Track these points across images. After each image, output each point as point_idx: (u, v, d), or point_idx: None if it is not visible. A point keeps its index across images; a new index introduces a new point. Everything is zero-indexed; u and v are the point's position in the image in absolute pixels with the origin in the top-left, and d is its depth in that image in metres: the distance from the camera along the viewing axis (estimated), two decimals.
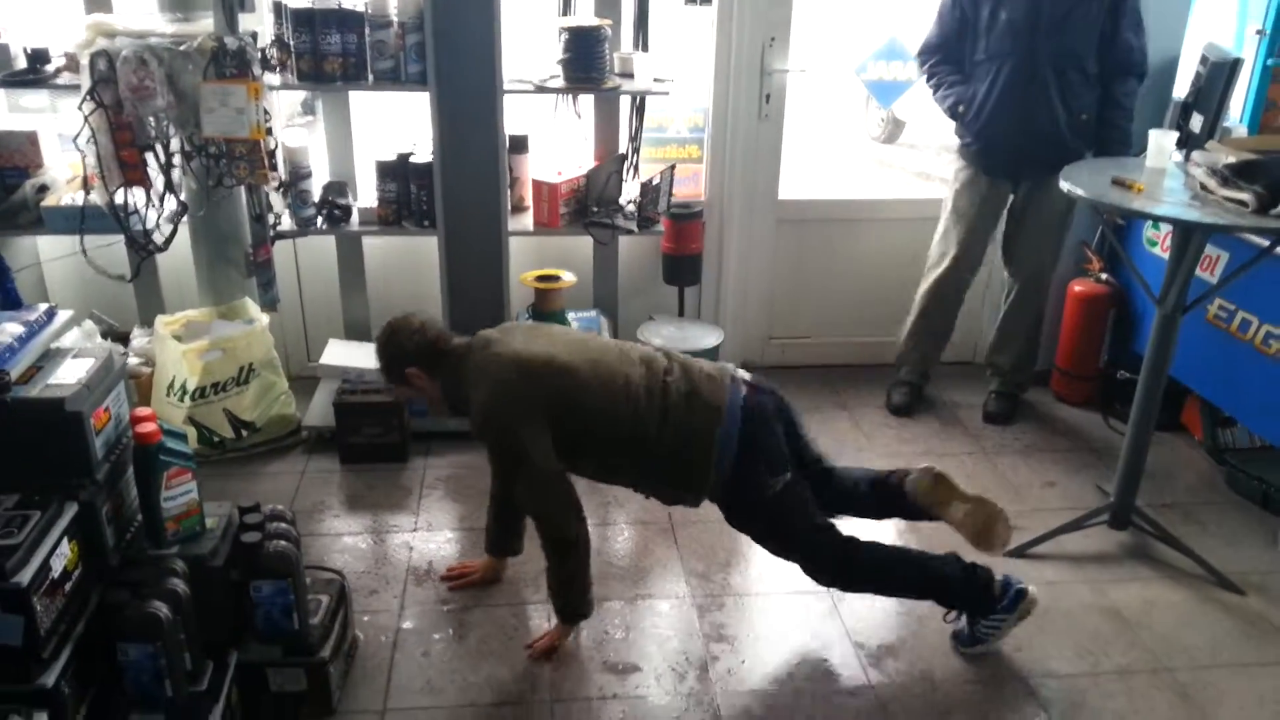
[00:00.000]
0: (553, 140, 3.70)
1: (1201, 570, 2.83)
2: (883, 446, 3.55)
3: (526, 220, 3.52)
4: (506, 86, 3.22)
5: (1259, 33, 3.45)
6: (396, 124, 3.58)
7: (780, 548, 2.53)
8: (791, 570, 2.82)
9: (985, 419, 3.73)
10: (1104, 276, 3.75)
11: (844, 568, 2.49)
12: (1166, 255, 2.76)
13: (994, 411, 3.74)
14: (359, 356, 3.56)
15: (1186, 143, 3.36)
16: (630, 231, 3.52)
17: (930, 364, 3.83)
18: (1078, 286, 3.78)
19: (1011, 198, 3.54)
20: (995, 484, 3.33)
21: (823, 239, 4.02)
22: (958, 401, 3.87)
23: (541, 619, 2.62)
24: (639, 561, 2.87)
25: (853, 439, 3.60)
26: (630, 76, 3.43)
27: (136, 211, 3.08)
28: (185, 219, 3.21)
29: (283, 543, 2.20)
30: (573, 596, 2.47)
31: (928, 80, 3.51)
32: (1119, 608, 2.72)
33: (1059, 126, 3.29)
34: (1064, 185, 2.78)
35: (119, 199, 3.05)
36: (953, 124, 3.51)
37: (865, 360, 3.98)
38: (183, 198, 3.17)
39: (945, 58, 3.46)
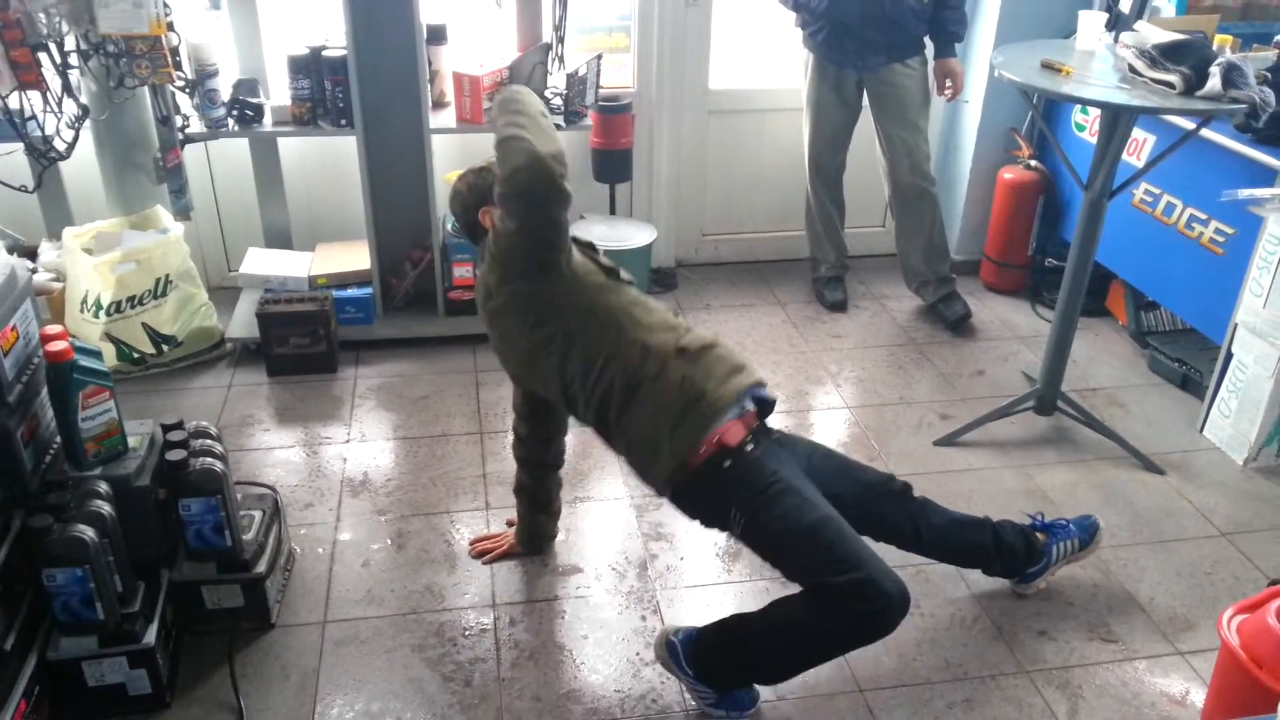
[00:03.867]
0: (473, 30, 3.55)
1: (1123, 452, 2.92)
2: (816, 341, 3.57)
3: (449, 116, 3.40)
4: None
5: None
6: (307, 15, 3.39)
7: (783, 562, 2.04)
8: None
9: (954, 329, 3.62)
10: (1032, 163, 3.76)
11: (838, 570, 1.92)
12: (1094, 140, 2.76)
13: (959, 316, 3.62)
14: (281, 264, 3.45)
15: (1115, 23, 3.35)
16: (557, 127, 3.41)
17: (841, 254, 3.83)
18: (1007, 174, 3.79)
19: (862, 88, 3.52)
20: (926, 374, 3.38)
21: (755, 130, 3.95)
22: (885, 294, 3.89)
23: (480, 526, 2.62)
24: (578, 465, 2.87)
25: (785, 334, 3.61)
26: None
27: (34, 117, 2.90)
28: (88, 124, 3.03)
29: (209, 459, 2.15)
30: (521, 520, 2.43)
31: None
32: (1045, 490, 2.80)
33: (902, 10, 3.29)
34: (996, 70, 2.75)
35: (13, 103, 2.86)
36: (794, 16, 3.47)
37: (799, 254, 3.97)
38: (83, 100, 2.99)
39: None
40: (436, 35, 3.33)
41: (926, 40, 3.45)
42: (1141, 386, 3.32)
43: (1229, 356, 2.92)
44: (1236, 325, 2.88)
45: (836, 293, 3.80)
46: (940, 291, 3.70)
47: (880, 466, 2.86)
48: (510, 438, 2.44)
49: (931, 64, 3.49)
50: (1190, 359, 3.27)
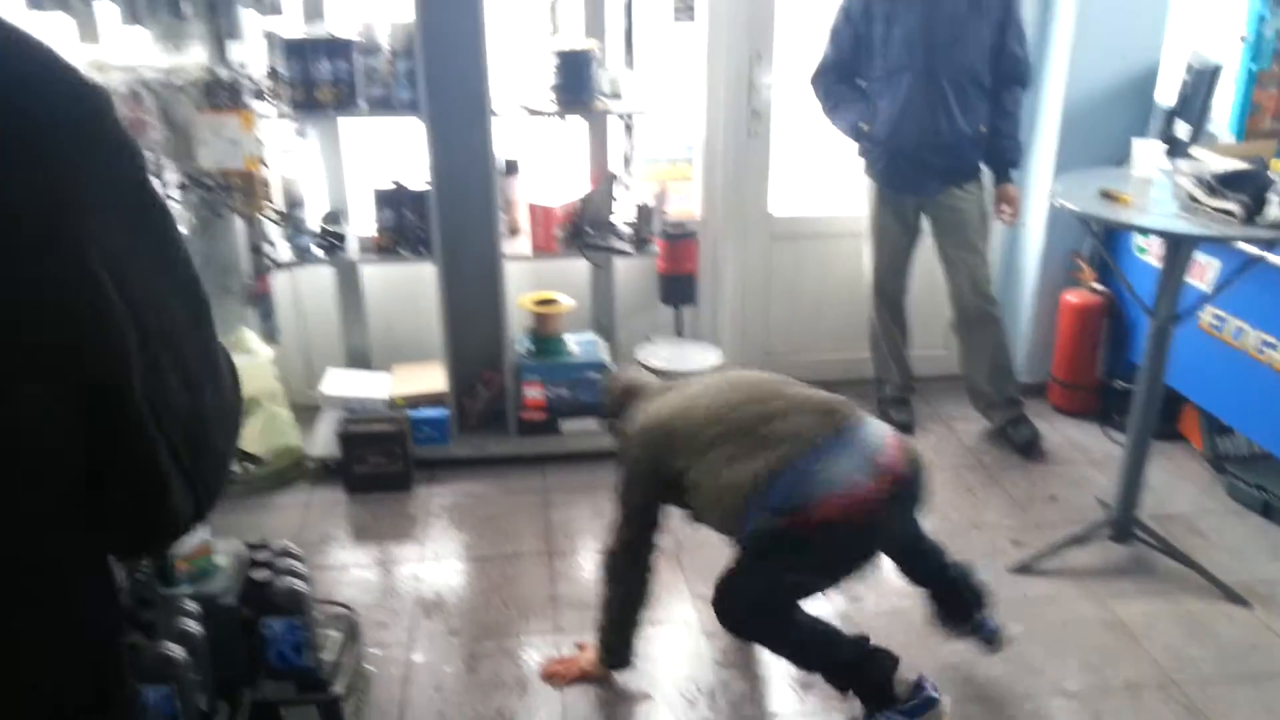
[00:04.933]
0: (545, 162, 3.72)
1: (1205, 582, 2.85)
2: None
3: (522, 244, 3.53)
4: (497, 110, 3.24)
5: (1242, 38, 3.48)
6: (390, 151, 3.58)
7: (726, 575, 2.24)
8: None
9: (1024, 454, 3.60)
10: (1096, 285, 3.78)
11: (753, 613, 2.23)
12: (1157, 263, 2.78)
13: (1028, 439, 3.61)
14: (361, 384, 3.57)
15: (1172, 149, 3.41)
16: (625, 253, 3.53)
17: (906, 375, 3.85)
18: (1070, 296, 3.81)
19: (921, 212, 3.58)
20: (997, 499, 3.35)
21: (817, 254, 4.04)
22: (952, 415, 3.88)
23: (551, 650, 2.62)
24: None
25: None
26: (619, 97, 3.44)
27: None
28: None
29: (292, 579, 2.21)
30: (604, 632, 2.42)
31: (825, 102, 3.52)
32: (1124, 621, 2.74)
33: (959, 137, 3.38)
34: (1053, 198, 2.81)
35: None
36: (855, 144, 3.55)
37: (864, 376, 3.99)
38: (181, 230, 3.17)
39: (840, 77, 3.50)
40: (511, 169, 3.50)
41: (983, 165, 3.53)
42: (1220, 513, 3.25)
43: None
44: None
45: (902, 414, 3.81)
46: (1008, 414, 3.69)
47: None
48: (599, 558, 2.43)
49: (989, 189, 3.57)
50: (1270, 485, 3.20)
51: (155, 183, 0.84)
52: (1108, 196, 2.73)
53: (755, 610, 2.22)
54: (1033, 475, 3.49)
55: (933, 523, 3.18)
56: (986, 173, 3.54)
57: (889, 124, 3.40)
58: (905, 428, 3.77)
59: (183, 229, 3.12)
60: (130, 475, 0.78)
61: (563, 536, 3.10)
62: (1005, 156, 3.48)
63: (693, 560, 2.99)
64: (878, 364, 3.88)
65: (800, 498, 2.09)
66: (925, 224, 3.63)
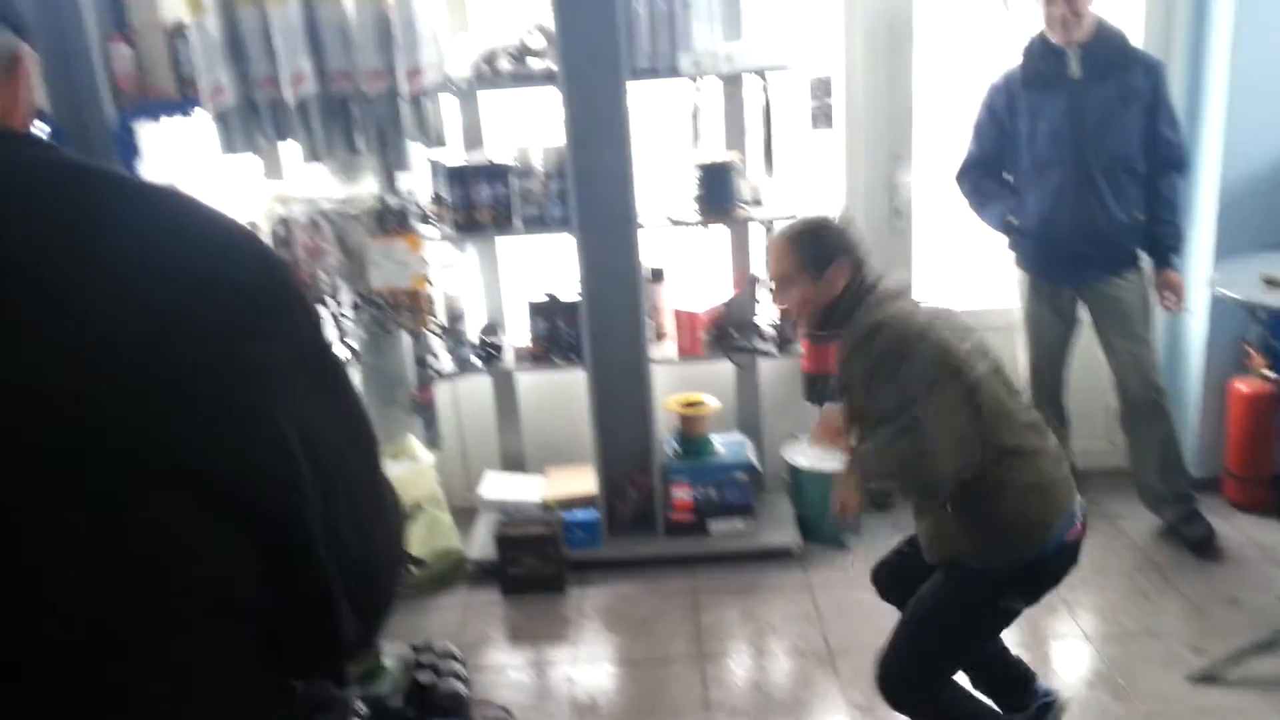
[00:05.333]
0: (690, 269, 3.83)
1: None
2: None
3: (668, 348, 3.64)
4: (642, 222, 3.38)
5: None
6: (543, 264, 3.78)
7: (903, 635, 2.26)
8: None
9: (1199, 552, 3.42)
10: (1268, 373, 3.58)
11: (917, 689, 2.25)
12: None
13: (1202, 536, 3.43)
14: (516, 488, 3.70)
15: None
16: (769, 355, 3.59)
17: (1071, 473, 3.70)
18: (1241, 385, 3.62)
19: (1078, 302, 3.49)
20: (1173, 602, 3.17)
21: None
22: (1119, 513, 3.70)
23: None
24: (798, 693, 2.85)
25: None
26: (760, 204, 3.54)
27: None
28: (355, 366, 3.44)
29: (454, 681, 2.30)
30: None
31: (971, 198, 3.49)
32: None
33: (1114, 227, 3.29)
34: (1212, 287, 2.72)
35: None
36: (1004, 238, 3.49)
37: None
38: (352, 345, 3.42)
39: (986, 173, 3.47)
40: (657, 276, 3.62)
41: (1143, 252, 3.43)
42: None
43: None
44: None
45: None
46: (1180, 510, 3.50)
47: (1128, 706, 2.69)
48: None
49: (1150, 275, 3.46)
50: None
51: (329, 339, 0.94)
52: (1271, 283, 2.63)
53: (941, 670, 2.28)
54: (1211, 576, 3.28)
55: (1103, 628, 3.05)
56: (1146, 259, 3.45)
57: (1040, 217, 3.35)
58: None
59: (354, 344, 3.38)
60: (309, 609, 0.84)
61: (714, 639, 3.10)
62: (1165, 243, 3.37)
63: (846, 665, 2.94)
64: None
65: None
66: (1083, 314, 3.55)
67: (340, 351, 3.37)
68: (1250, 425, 3.60)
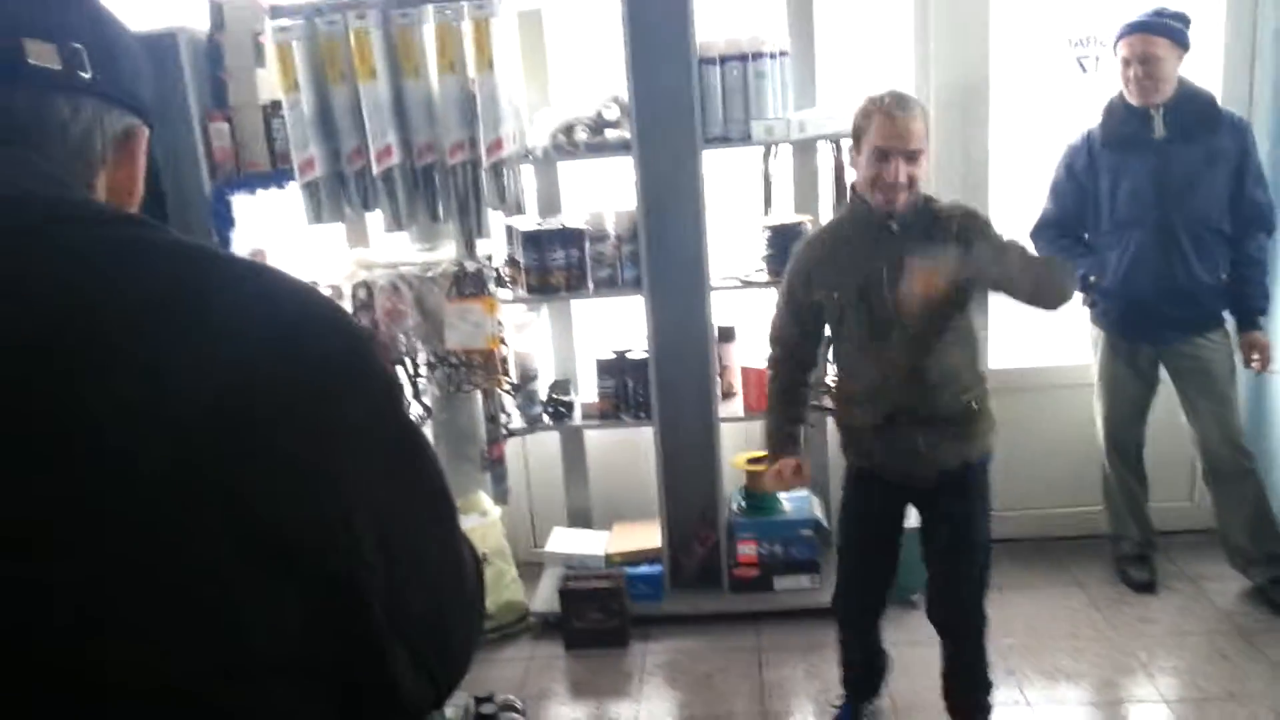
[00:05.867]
0: (759, 328, 3.87)
1: None
2: (1124, 627, 3.33)
3: (736, 406, 3.68)
4: (714, 284, 3.46)
5: None
6: (610, 322, 3.87)
7: (973, 567, 2.63)
8: None
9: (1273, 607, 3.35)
10: None
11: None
12: None
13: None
14: (581, 542, 3.76)
15: None
16: (834, 411, 3.58)
17: (1147, 531, 3.61)
18: None
19: (1159, 362, 3.43)
20: (1254, 664, 3.04)
21: (1039, 406, 3.92)
22: (1201, 574, 3.57)
23: None
24: (769, 705, 2.84)
25: (1087, 618, 3.39)
26: None
27: None
28: (429, 422, 3.57)
29: None
30: None
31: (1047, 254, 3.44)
32: None
33: (1198, 287, 3.24)
34: None
35: None
36: (1081, 296, 3.43)
37: (1093, 531, 3.77)
38: (427, 403, 3.55)
39: (1064, 231, 3.44)
40: (726, 335, 3.68)
41: (1228, 314, 3.36)
42: None
43: None
44: None
45: (1144, 572, 3.56)
46: (1271, 572, 3.37)
47: None
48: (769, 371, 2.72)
49: (1235, 336, 3.38)
50: None
51: (409, 411, 0.98)
52: None
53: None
54: None
55: (1184, 690, 2.95)
56: (1231, 320, 3.37)
57: (1121, 275, 3.32)
58: (1147, 587, 3.52)
59: (428, 402, 3.51)
60: (365, 670, 0.85)
61: (777, 697, 3.09)
62: (1251, 304, 3.30)
63: None
64: (1113, 519, 3.66)
65: None
66: (1163, 374, 3.48)
67: (416, 410, 3.50)
68: None
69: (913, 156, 2.39)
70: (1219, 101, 3.32)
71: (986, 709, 2.69)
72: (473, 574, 0.96)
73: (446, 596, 0.91)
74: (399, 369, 3.43)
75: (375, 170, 3.33)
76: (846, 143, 3.51)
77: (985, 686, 2.69)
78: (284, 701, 0.82)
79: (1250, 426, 3.73)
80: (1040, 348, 3.97)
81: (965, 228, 2.42)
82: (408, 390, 3.47)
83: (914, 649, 3.24)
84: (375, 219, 3.57)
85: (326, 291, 3.71)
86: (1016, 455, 3.93)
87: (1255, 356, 3.34)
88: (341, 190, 3.45)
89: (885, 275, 2.41)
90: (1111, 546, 3.68)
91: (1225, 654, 3.12)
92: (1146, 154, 3.24)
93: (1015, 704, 2.96)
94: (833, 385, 2.74)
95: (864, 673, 2.88)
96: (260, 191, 3.59)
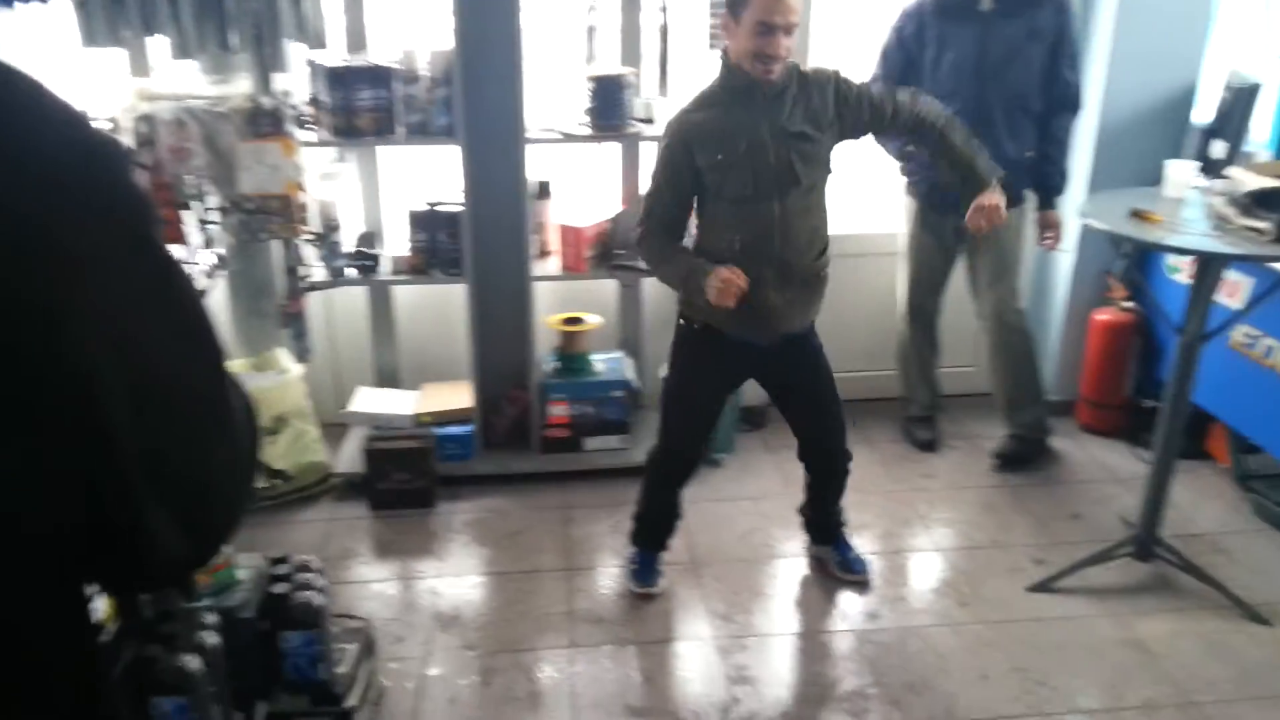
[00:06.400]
0: (578, 184, 3.78)
1: (1227, 601, 2.81)
2: (905, 481, 3.57)
3: (552, 265, 3.60)
4: (531, 136, 3.32)
5: None
6: (423, 172, 3.68)
7: (835, 402, 2.88)
8: (815, 610, 2.86)
9: (993, 460, 3.65)
10: (1127, 304, 3.74)
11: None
12: (1189, 282, 2.76)
13: (1001, 452, 3.66)
14: (388, 402, 3.66)
15: (1209, 169, 3.37)
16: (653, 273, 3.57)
17: (933, 394, 3.83)
18: (1101, 315, 3.77)
19: (959, 235, 3.51)
20: (1018, 516, 3.33)
21: (841, 272, 4.00)
22: (979, 434, 3.85)
23: (565, 664, 2.67)
24: (662, 603, 2.91)
25: (874, 473, 3.61)
26: (652, 121, 3.49)
27: None
28: (221, 273, 3.33)
29: (310, 593, 2.28)
30: None
31: None
32: (1144, 640, 2.71)
33: (1005, 164, 3.23)
34: (1082, 218, 2.81)
35: None
36: (897, 165, 3.54)
37: (885, 394, 3.97)
38: (219, 252, 3.30)
39: None
40: (543, 191, 3.56)
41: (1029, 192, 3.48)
42: (1245, 532, 3.20)
43: None
44: None
45: (927, 432, 3.80)
46: (1016, 428, 3.65)
47: (971, 611, 2.84)
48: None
49: (1033, 214, 3.53)
50: None
51: (162, 239, 0.85)
52: (1138, 216, 2.72)
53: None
54: (1057, 494, 3.46)
55: (955, 540, 3.19)
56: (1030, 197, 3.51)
57: None
58: (929, 445, 3.77)
59: (221, 250, 3.26)
60: (114, 532, 0.78)
61: (582, 553, 3.15)
62: (1051, 183, 3.42)
63: (709, 575, 3.02)
64: (905, 383, 3.86)
65: None
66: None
67: (208, 258, 3.25)
68: (1106, 354, 3.77)
69: (791, 29, 2.42)
70: None
71: (844, 522, 3.06)
72: (243, 423, 0.88)
73: (209, 447, 0.83)
74: (186, 213, 3.16)
75: None
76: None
77: (841, 508, 3.03)
78: (19, 559, 0.75)
79: (1031, 297, 3.98)
80: (845, 215, 4.06)
81: (840, 90, 2.57)
82: (196, 237, 3.21)
83: (717, 505, 3.38)
84: (159, 45, 3.20)
85: (104, 125, 3.34)
86: (819, 321, 4.07)
87: (1049, 234, 3.52)
88: (119, 10, 3.06)
89: (768, 137, 2.48)
90: (901, 408, 3.90)
91: (994, 507, 3.40)
92: (972, 25, 3.26)
93: (804, 554, 3.13)
94: (695, 246, 2.70)
95: (666, 525, 2.98)
96: (20, 5, 3.15)
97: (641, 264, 3.55)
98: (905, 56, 3.40)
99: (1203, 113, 3.60)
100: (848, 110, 2.57)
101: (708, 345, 2.69)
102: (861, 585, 2.97)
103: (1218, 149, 3.47)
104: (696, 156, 2.53)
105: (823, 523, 3.06)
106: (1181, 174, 2.97)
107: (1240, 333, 3.22)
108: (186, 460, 0.81)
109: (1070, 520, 3.30)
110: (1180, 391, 2.81)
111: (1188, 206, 2.86)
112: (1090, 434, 3.85)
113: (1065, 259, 3.87)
